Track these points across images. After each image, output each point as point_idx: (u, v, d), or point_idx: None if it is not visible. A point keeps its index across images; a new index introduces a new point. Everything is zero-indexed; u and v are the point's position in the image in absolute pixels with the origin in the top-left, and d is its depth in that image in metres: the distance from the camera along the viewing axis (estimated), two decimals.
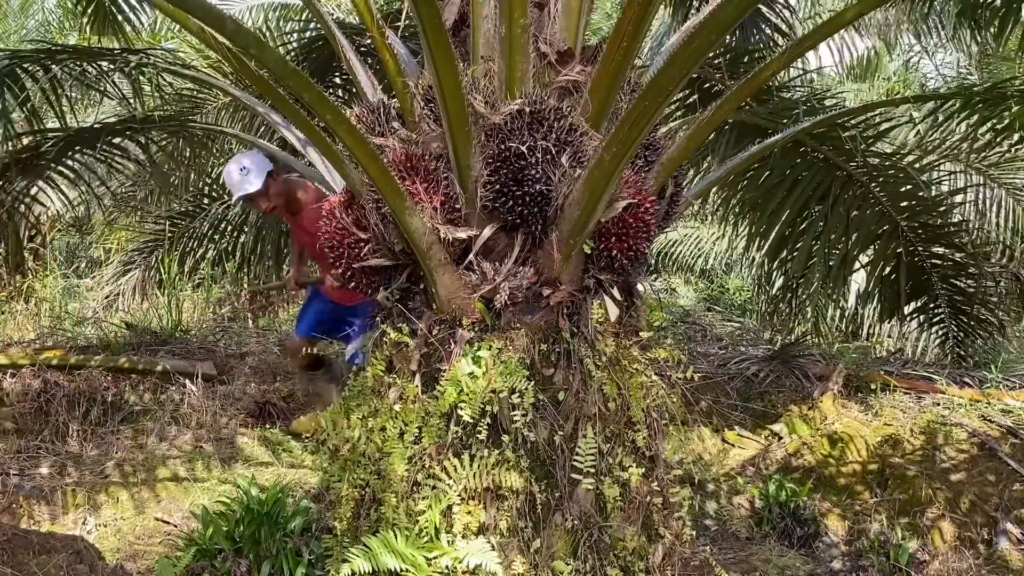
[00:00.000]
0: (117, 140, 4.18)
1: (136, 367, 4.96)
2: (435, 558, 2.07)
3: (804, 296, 4.86)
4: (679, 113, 4.52)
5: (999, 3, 3.87)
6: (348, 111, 2.41)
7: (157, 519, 3.66)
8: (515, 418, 2.14)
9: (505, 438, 2.15)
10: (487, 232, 2.23)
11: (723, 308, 9.20)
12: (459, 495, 2.13)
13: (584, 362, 2.26)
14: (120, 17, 3.89)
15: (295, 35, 5.34)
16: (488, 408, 2.13)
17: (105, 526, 3.50)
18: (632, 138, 1.96)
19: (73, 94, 4.09)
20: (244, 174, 3.58)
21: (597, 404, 2.24)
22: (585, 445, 2.19)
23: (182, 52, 5.33)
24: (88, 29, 4.04)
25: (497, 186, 2.17)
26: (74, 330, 6.15)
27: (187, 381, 5.10)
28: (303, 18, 5.69)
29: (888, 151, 4.34)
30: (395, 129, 2.41)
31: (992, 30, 4.05)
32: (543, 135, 2.15)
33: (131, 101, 4.05)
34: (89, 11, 3.80)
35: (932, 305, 4.84)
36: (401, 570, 2.04)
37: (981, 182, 5.14)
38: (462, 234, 2.22)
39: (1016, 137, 3.52)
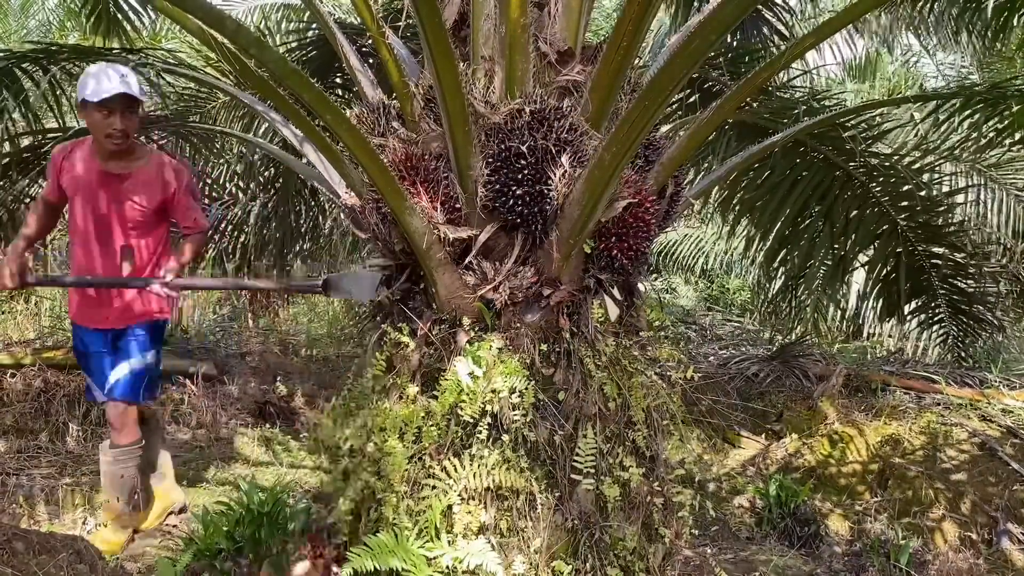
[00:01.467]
0: None
1: None
2: (435, 558, 2.07)
3: (804, 296, 4.86)
4: (679, 113, 4.52)
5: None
6: (348, 111, 2.41)
7: None
8: (515, 418, 2.14)
9: (505, 438, 2.15)
10: (487, 232, 2.23)
11: (723, 308, 9.21)
12: (459, 495, 2.12)
13: (584, 362, 2.26)
14: (120, 18, 3.90)
15: (295, 35, 5.34)
16: (488, 408, 2.13)
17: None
18: (632, 138, 1.96)
19: (72, 95, 4.08)
20: (124, 79, 2.94)
21: (597, 404, 2.24)
22: (585, 445, 2.19)
23: (182, 52, 5.32)
24: (88, 29, 4.04)
25: (497, 186, 2.17)
26: None
27: (187, 381, 5.11)
28: (304, 19, 5.68)
29: (888, 151, 4.34)
30: (395, 129, 2.41)
31: (993, 26, 4.06)
32: (543, 135, 2.14)
33: None
34: (90, 11, 3.81)
35: (932, 305, 4.84)
36: (401, 570, 2.04)
37: (981, 182, 5.14)
38: (462, 234, 2.22)
39: (1017, 136, 3.52)
